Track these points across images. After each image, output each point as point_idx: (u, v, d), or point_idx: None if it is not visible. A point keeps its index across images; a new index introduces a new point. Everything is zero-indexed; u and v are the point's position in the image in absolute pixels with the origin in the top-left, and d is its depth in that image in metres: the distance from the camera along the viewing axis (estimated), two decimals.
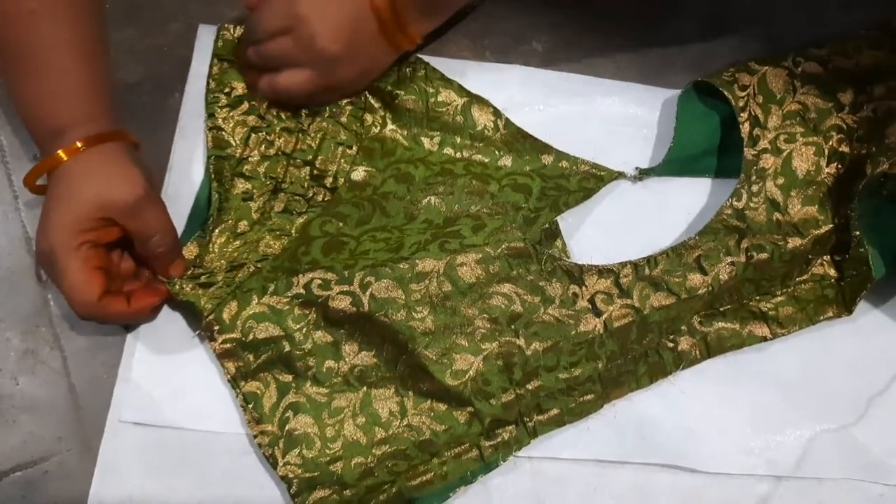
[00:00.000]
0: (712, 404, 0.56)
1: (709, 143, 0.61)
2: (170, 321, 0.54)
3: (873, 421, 0.57)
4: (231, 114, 0.58)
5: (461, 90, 0.59)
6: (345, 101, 0.59)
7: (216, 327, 0.52)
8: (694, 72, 0.61)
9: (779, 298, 0.57)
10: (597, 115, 0.62)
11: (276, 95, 0.57)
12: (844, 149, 0.57)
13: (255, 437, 0.52)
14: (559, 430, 0.54)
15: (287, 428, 0.51)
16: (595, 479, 0.54)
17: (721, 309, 0.57)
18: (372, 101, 0.59)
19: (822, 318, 0.57)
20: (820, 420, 0.56)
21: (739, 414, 0.56)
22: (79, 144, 0.50)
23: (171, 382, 0.53)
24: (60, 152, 0.50)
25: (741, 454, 0.55)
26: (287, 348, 0.52)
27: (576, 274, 0.55)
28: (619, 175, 0.60)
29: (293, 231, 0.56)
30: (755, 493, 0.55)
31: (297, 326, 0.53)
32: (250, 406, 0.52)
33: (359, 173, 0.58)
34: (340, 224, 0.56)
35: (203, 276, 0.54)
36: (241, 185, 0.57)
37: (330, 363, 0.53)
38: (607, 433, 0.55)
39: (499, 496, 0.53)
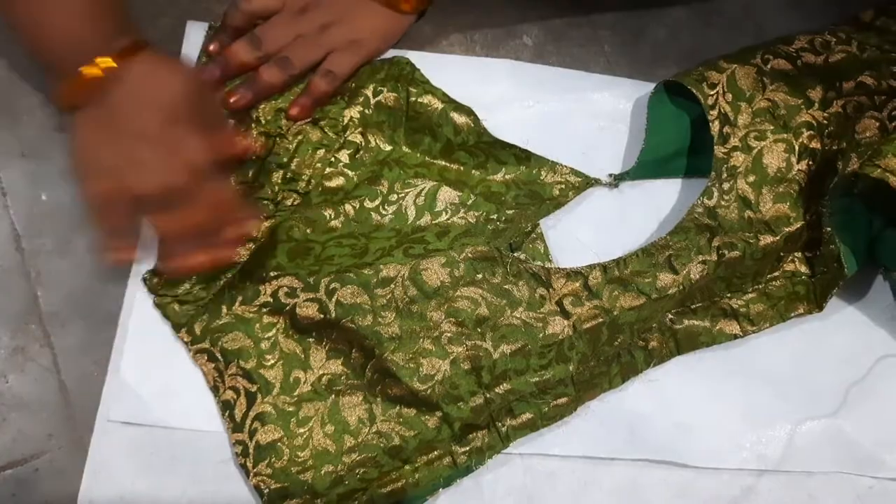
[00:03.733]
0: (702, 400, 0.56)
1: (680, 144, 0.61)
2: (159, 321, 0.54)
3: (861, 414, 0.57)
4: None
5: (444, 97, 0.59)
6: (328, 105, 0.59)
7: (187, 339, 0.53)
8: (684, 66, 0.61)
9: (750, 296, 0.58)
10: (587, 110, 0.62)
11: (282, 75, 0.58)
12: (815, 145, 0.57)
13: (233, 445, 0.52)
14: (549, 428, 0.54)
15: (255, 438, 0.52)
16: (586, 475, 0.55)
17: (692, 307, 0.57)
18: (354, 100, 0.59)
19: (792, 314, 0.57)
20: (809, 414, 0.57)
21: (729, 409, 0.57)
22: (126, 48, 0.49)
23: (160, 381, 0.53)
24: (107, 59, 0.49)
25: (732, 449, 0.56)
26: (255, 358, 0.53)
27: (543, 277, 0.55)
28: (595, 182, 0.60)
29: (260, 236, 0.56)
30: (746, 487, 0.55)
31: (265, 335, 0.53)
32: (226, 414, 0.52)
33: (332, 178, 0.58)
34: (308, 230, 0.56)
35: (181, 290, 0.54)
36: None
37: (298, 373, 0.53)
38: (598, 430, 0.55)
39: (490, 492, 0.54)
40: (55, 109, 0.58)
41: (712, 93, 0.58)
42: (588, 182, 0.60)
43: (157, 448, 0.52)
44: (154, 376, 0.54)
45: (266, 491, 0.51)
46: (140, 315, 0.55)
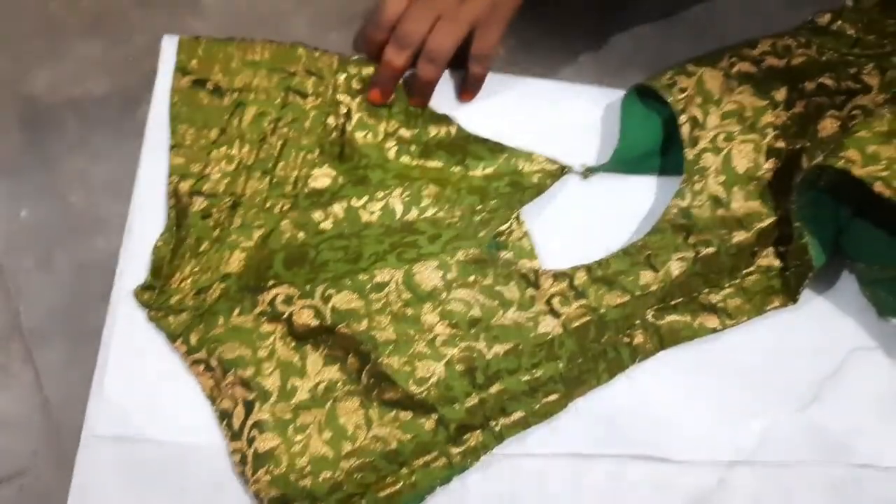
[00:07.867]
0: (680, 395, 0.58)
1: (653, 144, 0.63)
2: (144, 332, 0.54)
3: (833, 405, 0.59)
4: (191, 129, 0.58)
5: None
6: (309, 105, 0.60)
7: (183, 349, 0.53)
8: (651, 71, 0.63)
9: (727, 291, 0.59)
10: (559, 118, 0.63)
11: (433, 68, 0.59)
12: (780, 145, 0.59)
13: (231, 454, 0.52)
14: (534, 427, 0.55)
15: (254, 446, 0.52)
16: (572, 473, 0.55)
17: (672, 303, 0.58)
18: (337, 104, 0.60)
19: (768, 308, 0.59)
20: (783, 406, 0.58)
21: (706, 403, 0.58)
22: None
23: (147, 395, 0.53)
24: None
25: (710, 442, 0.57)
26: (252, 367, 0.53)
27: (531, 278, 0.56)
28: (568, 169, 0.61)
29: (252, 245, 0.56)
30: (723, 479, 0.56)
31: (263, 344, 0.53)
32: (224, 423, 0.53)
33: (318, 180, 0.59)
34: (300, 234, 0.56)
35: (174, 301, 0.54)
36: (199, 203, 0.57)
37: (295, 380, 0.53)
38: (581, 427, 0.56)
39: (476, 493, 0.54)
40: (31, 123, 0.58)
41: (682, 97, 0.59)
42: (563, 169, 0.61)
43: (145, 463, 0.52)
44: (140, 390, 0.53)
45: (266, 498, 0.51)
46: (124, 329, 0.54)
